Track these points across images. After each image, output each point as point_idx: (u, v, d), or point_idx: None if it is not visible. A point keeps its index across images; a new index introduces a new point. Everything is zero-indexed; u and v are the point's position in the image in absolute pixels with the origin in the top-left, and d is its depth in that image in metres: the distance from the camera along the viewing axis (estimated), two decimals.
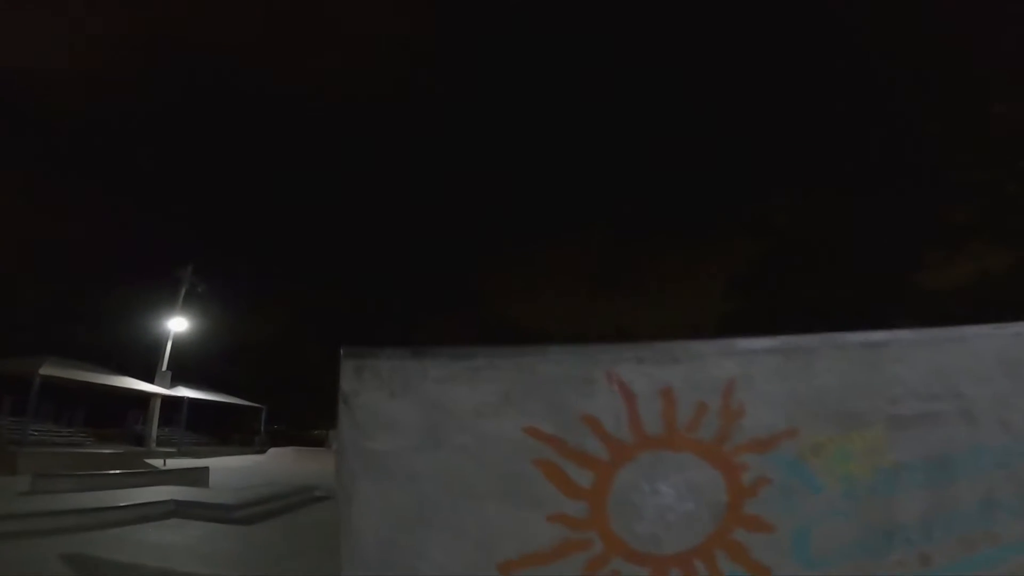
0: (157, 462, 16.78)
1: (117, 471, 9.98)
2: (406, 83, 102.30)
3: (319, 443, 28.85)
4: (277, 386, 37.31)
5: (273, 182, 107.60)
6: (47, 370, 18.78)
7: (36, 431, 17.92)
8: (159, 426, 25.06)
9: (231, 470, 16.51)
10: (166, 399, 23.87)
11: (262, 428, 29.84)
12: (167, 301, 26.84)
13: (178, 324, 25.53)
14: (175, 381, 25.76)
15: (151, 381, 24.14)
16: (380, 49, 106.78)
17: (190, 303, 27.98)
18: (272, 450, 20.73)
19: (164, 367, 24.61)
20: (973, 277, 33.50)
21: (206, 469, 11.09)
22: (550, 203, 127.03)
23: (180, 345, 27.94)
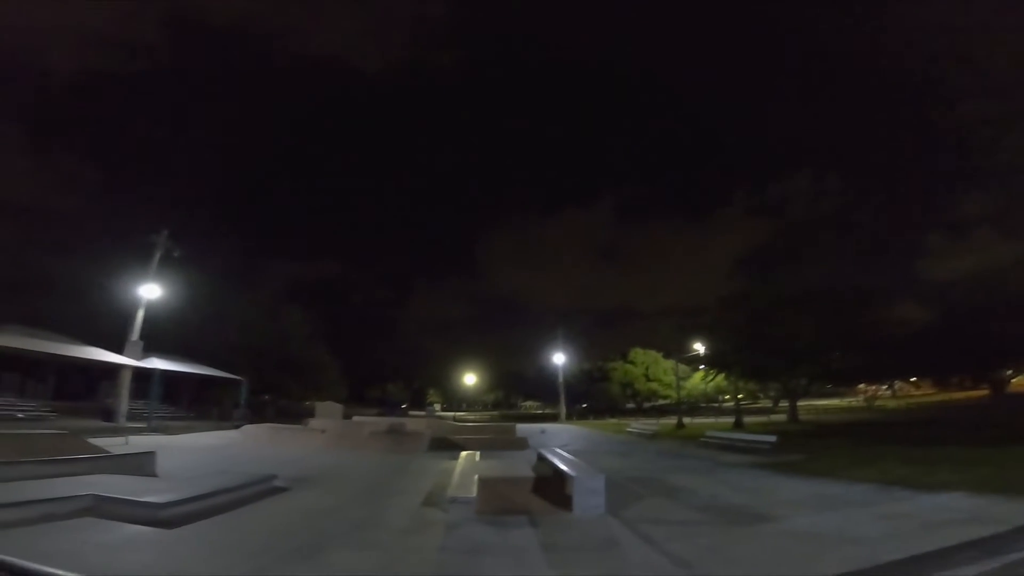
0: (119, 440, 15.83)
1: (47, 458, 8.95)
2: (416, 60, 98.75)
3: (310, 414, 27.94)
4: (263, 357, 36.37)
5: (264, 151, 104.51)
6: (1, 340, 17.67)
7: None
8: (133, 399, 24.11)
9: (195, 451, 15.59)
10: (137, 371, 22.86)
11: (242, 401, 28.97)
12: (142, 268, 25.64)
13: (150, 291, 24.32)
14: (149, 352, 24.71)
15: (122, 352, 23.08)
16: (395, 28, 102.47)
17: (166, 270, 26.76)
18: (246, 427, 19.81)
19: (136, 337, 23.53)
20: (978, 268, 32.87)
21: (152, 454, 10.05)
22: (557, 175, 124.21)
23: (158, 315, 26.80)
